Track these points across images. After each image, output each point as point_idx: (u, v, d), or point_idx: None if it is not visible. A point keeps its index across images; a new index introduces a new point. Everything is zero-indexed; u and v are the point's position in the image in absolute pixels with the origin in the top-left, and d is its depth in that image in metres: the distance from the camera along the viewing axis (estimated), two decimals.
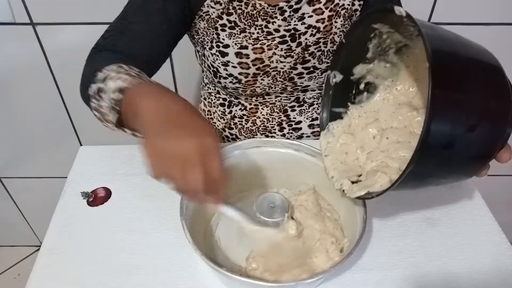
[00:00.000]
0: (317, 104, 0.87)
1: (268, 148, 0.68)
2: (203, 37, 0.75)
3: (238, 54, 0.73)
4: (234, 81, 0.77)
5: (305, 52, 0.75)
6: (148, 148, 0.45)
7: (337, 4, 0.72)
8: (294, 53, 0.75)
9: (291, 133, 0.88)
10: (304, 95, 0.84)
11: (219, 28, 0.72)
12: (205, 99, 0.93)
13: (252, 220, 0.57)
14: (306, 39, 0.74)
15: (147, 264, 0.61)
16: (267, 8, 0.70)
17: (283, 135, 0.88)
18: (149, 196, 0.71)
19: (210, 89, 0.90)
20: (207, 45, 0.75)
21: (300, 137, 0.89)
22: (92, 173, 0.75)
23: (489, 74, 0.49)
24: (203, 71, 0.88)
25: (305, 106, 0.86)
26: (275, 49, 0.74)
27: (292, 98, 0.85)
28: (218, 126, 0.91)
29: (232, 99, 0.86)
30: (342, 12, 0.73)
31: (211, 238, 0.64)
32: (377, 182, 0.54)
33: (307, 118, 0.87)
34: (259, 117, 0.86)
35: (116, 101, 0.52)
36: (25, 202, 1.53)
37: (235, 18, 0.71)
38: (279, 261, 0.57)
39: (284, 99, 0.84)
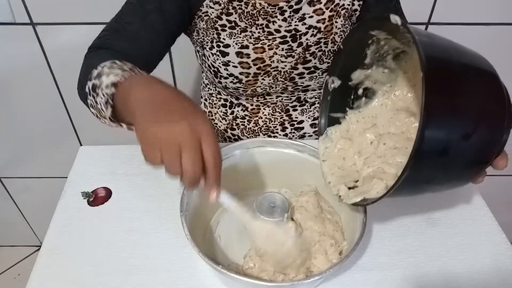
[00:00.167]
0: (318, 103, 0.87)
1: (270, 148, 0.68)
2: (203, 37, 0.75)
3: (238, 54, 0.73)
4: (235, 81, 0.77)
5: (306, 52, 0.75)
6: (139, 135, 0.45)
7: (337, 4, 0.72)
8: (295, 53, 0.75)
9: (293, 132, 0.88)
10: (305, 94, 0.84)
11: (219, 28, 0.72)
12: (205, 100, 0.93)
13: (252, 214, 0.56)
14: (307, 39, 0.74)
15: (147, 264, 0.61)
16: (267, 7, 0.70)
17: (285, 135, 0.88)
18: (149, 196, 0.71)
19: (211, 89, 0.90)
20: (207, 45, 0.75)
21: (302, 136, 0.89)
22: (92, 173, 0.75)
23: (485, 81, 0.49)
24: (203, 72, 0.88)
25: (307, 106, 0.86)
26: (276, 49, 0.74)
27: (293, 98, 0.85)
28: (219, 127, 0.91)
29: (233, 99, 0.86)
30: (342, 12, 0.73)
31: (211, 236, 0.64)
32: (373, 189, 0.54)
33: (309, 118, 0.87)
34: (261, 117, 0.87)
35: (110, 96, 0.52)
36: (25, 202, 1.53)
37: (235, 18, 0.71)
38: (277, 261, 0.57)
39: (285, 99, 0.84)
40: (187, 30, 0.77)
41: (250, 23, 0.72)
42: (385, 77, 0.63)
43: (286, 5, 0.70)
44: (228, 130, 0.90)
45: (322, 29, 0.73)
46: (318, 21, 0.73)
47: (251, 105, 0.85)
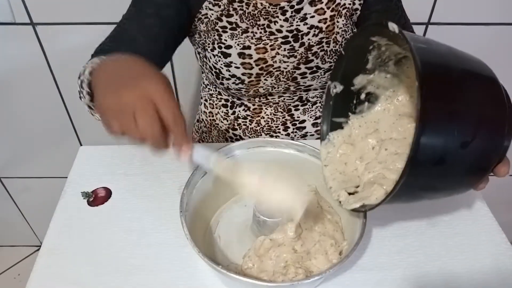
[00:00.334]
0: (320, 102, 0.87)
1: (271, 148, 0.68)
2: (204, 39, 0.75)
3: (241, 55, 0.73)
4: (237, 81, 0.77)
5: (308, 52, 0.75)
6: (98, 110, 0.46)
7: (339, 3, 0.72)
8: (297, 53, 0.75)
9: (295, 132, 0.88)
10: (307, 94, 0.84)
11: (220, 29, 0.72)
12: (206, 100, 0.93)
13: (234, 168, 0.54)
14: (309, 39, 0.74)
15: (147, 264, 0.61)
16: (268, 7, 0.70)
17: (288, 135, 0.88)
18: (149, 196, 0.71)
19: (211, 90, 0.90)
20: (209, 47, 0.75)
21: (304, 136, 0.89)
22: (92, 173, 0.75)
23: (484, 87, 0.48)
24: (203, 73, 0.88)
25: (309, 105, 0.86)
26: (278, 49, 0.74)
27: (295, 98, 0.85)
28: (221, 127, 0.91)
29: (235, 100, 0.86)
30: (344, 11, 0.73)
31: (211, 236, 0.64)
32: (373, 195, 0.53)
33: (310, 117, 0.87)
34: (263, 117, 0.87)
35: (87, 85, 0.54)
36: (25, 202, 1.53)
37: (236, 19, 0.71)
38: (276, 262, 0.57)
39: (287, 99, 0.84)
40: (189, 33, 0.77)
41: (251, 24, 0.72)
42: (388, 82, 0.62)
43: (288, 5, 0.70)
44: (230, 130, 0.90)
45: (323, 29, 0.73)
46: (319, 21, 0.73)
47: (253, 105, 0.85)
